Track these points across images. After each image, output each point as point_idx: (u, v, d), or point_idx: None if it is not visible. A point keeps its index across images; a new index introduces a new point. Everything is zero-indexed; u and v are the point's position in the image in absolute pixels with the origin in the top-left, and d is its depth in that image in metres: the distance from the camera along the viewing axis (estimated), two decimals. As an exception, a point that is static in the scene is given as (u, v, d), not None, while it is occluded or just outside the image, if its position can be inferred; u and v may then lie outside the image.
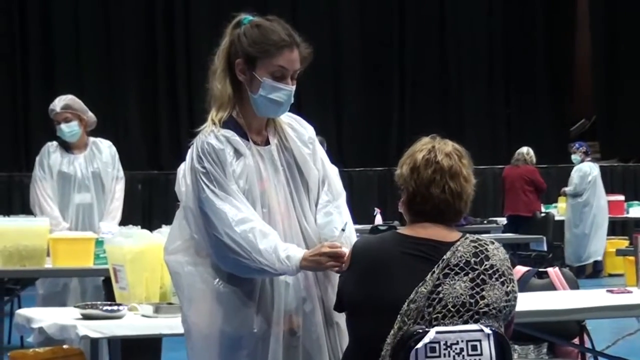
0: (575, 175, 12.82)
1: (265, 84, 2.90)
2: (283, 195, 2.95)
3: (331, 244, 2.85)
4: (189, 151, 2.96)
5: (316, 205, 3.01)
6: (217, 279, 2.89)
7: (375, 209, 11.07)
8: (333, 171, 3.10)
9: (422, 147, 2.79)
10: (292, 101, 2.96)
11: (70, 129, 6.00)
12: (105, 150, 6.16)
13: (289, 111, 3.06)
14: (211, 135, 2.90)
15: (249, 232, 2.82)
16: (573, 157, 13.06)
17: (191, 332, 2.94)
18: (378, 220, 10.72)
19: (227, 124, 2.94)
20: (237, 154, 2.91)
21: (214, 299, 2.89)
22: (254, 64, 2.91)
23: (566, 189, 12.94)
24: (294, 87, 2.95)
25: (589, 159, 13.03)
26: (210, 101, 2.97)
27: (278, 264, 2.81)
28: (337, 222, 2.98)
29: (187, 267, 2.91)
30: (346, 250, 2.83)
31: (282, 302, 2.90)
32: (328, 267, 2.85)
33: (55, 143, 6.09)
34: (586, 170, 12.77)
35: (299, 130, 3.05)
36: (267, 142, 2.99)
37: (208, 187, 2.85)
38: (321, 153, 3.08)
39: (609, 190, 13.87)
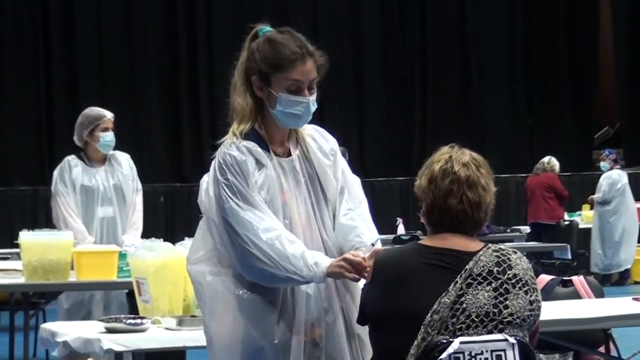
0: (604, 182, 12.73)
1: (282, 99, 2.91)
2: (304, 207, 2.96)
3: (355, 253, 2.85)
4: (212, 163, 2.97)
5: (334, 216, 3.01)
6: (239, 289, 2.90)
7: (398, 218, 11.06)
8: (355, 181, 3.10)
9: (440, 157, 2.78)
10: (313, 109, 2.96)
11: (112, 138, 6.03)
12: (125, 163, 6.18)
13: (313, 122, 3.06)
14: (233, 146, 2.91)
15: (275, 239, 2.82)
16: (602, 164, 13.00)
17: (213, 342, 2.95)
18: (400, 230, 10.71)
19: (249, 135, 2.95)
20: (259, 164, 2.92)
21: (236, 309, 2.89)
22: (269, 80, 2.92)
23: (594, 196, 12.87)
24: (312, 97, 2.94)
25: (618, 166, 12.95)
26: (231, 115, 2.98)
27: (306, 270, 2.82)
28: (362, 228, 2.98)
29: (209, 277, 2.92)
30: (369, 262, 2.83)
31: (303, 313, 2.90)
32: (349, 277, 2.85)
33: (74, 157, 6.09)
34: (615, 178, 12.69)
35: (321, 142, 3.05)
36: (289, 154, 3.00)
37: (231, 198, 2.86)
38: (342, 164, 3.08)
39: (634, 197, 13.78)
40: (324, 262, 2.83)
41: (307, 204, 2.96)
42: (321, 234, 2.97)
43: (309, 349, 2.90)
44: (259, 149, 2.93)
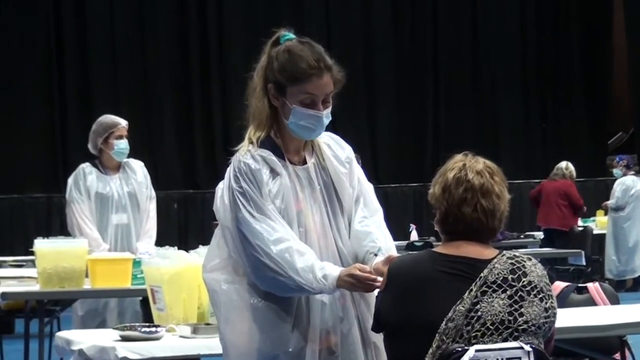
0: (617, 188, 12.70)
1: (295, 111, 2.91)
2: (319, 215, 2.96)
3: (362, 267, 2.84)
4: (227, 170, 2.98)
5: (350, 224, 3.01)
6: (254, 298, 2.90)
7: (411, 225, 11.03)
8: (370, 189, 3.10)
9: (454, 165, 2.78)
10: (327, 122, 2.96)
11: (126, 146, 6.04)
12: (139, 170, 6.19)
13: (333, 130, 3.06)
14: (248, 154, 2.92)
15: (285, 251, 2.83)
16: (615, 171, 12.97)
17: (228, 349, 2.96)
18: (414, 236, 10.68)
19: (265, 143, 2.95)
20: (274, 173, 2.92)
21: (251, 318, 2.90)
22: (284, 91, 2.92)
23: (608, 202, 12.83)
24: (326, 111, 2.94)
25: (631, 172, 12.91)
26: (248, 117, 2.98)
27: (315, 283, 2.82)
28: (376, 234, 2.98)
29: (224, 285, 2.93)
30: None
31: (318, 321, 2.91)
32: (358, 290, 2.85)
33: (89, 164, 6.11)
34: (629, 184, 12.66)
35: (336, 150, 3.05)
36: (305, 162, 3.00)
37: (245, 206, 2.87)
38: (358, 172, 3.08)
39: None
40: (333, 274, 2.82)
41: (322, 212, 2.96)
42: (336, 242, 2.97)
43: (324, 358, 2.90)
44: (274, 158, 2.93)
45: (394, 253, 2.97)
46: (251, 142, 2.94)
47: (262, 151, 2.93)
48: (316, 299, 2.90)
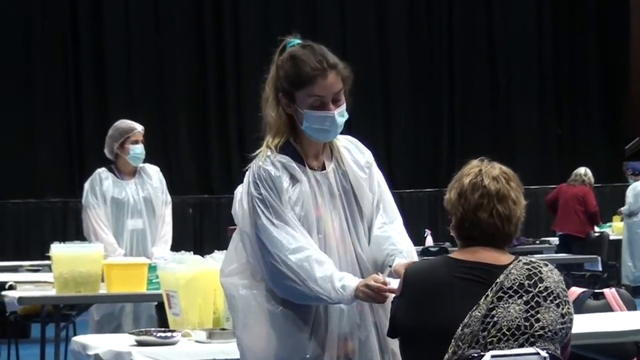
0: (629, 194, 12.69)
1: (307, 115, 2.91)
2: (338, 221, 2.95)
3: (376, 278, 2.83)
4: (246, 175, 2.97)
5: (369, 230, 3.00)
6: (272, 303, 2.90)
7: (426, 230, 11.02)
8: (389, 195, 3.09)
9: (470, 171, 2.77)
10: (342, 121, 2.94)
11: (142, 151, 6.06)
12: (154, 175, 6.20)
13: (348, 134, 3.05)
14: (267, 161, 2.91)
15: (304, 260, 2.82)
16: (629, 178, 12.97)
17: (245, 355, 2.96)
18: (429, 241, 10.68)
19: (284, 149, 2.94)
20: (293, 180, 2.92)
21: (268, 323, 2.90)
22: (293, 98, 2.92)
23: (622, 208, 12.80)
24: (339, 110, 2.92)
25: None
26: (264, 129, 2.98)
27: (334, 293, 2.82)
28: (395, 238, 2.97)
29: (242, 290, 2.93)
30: (395, 283, 2.82)
31: (335, 328, 2.90)
32: (374, 302, 2.85)
33: (105, 169, 6.13)
34: None
35: (356, 154, 3.04)
36: (324, 167, 2.99)
37: (264, 213, 2.87)
38: (378, 177, 3.07)
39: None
40: (352, 284, 2.82)
41: (341, 218, 2.95)
42: (355, 248, 2.96)
43: None
44: (294, 164, 2.93)
45: (415, 258, 2.97)
46: (270, 149, 2.94)
47: (282, 157, 2.93)
48: (334, 306, 2.90)
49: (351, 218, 2.97)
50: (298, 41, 2.97)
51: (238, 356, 3.28)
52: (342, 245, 2.94)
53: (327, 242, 2.92)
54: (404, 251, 2.96)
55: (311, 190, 2.93)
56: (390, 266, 2.92)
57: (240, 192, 2.98)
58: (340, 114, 2.93)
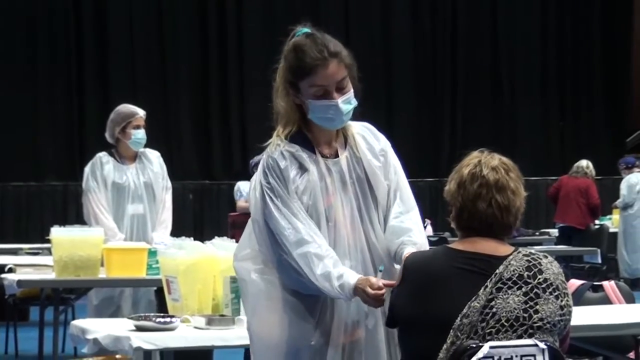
0: (623, 186, 12.69)
1: (312, 105, 2.92)
2: (349, 210, 2.95)
3: (372, 283, 2.81)
4: (260, 163, 3.00)
5: (385, 219, 3.00)
6: (282, 290, 2.92)
7: (426, 220, 11.01)
8: (407, 184, 3.08)
9: (469, 161, 2.78)
10: (348, 108, 2.93)
11: (143, 136, 6.06)
12: (155, 160, 6.20)
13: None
14: (276, 150, 2.93)
15: (304, 255, 2.85)
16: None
17: (253, 339, 2.99)
18: (429, 231, 10.67)
19: (295, 138, 2.95)
20: (302, 169, 2.93)
21: (276, 309, 2.93)
22: (297, 88, 2.93)
23: (617, 202, 12.80)
24: (343, 97, 2.92)
25: (637, 169, 12.86)
26: (275, 118, 2.99)
27: (332, 291, 2.84)
28: (412, 230, 2.96)
29: (254, 274, 2.96)
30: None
31: (343, 316, 2.92)
32: (370, 305, 2.85)
33: (105, 153, 6.13)
34: (633, 181, 12.63)
35: (371, 142, 3.04)
36: (337, 154, 2.99)
37: (272, 201, 2.89)
38: (395, 164, 3.07)
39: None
40: (350, 283, 2.82)
41: (352, 206, 2.95)
42: (367, 236, 2.96)
43: (348, 352, 2.91)
44: (303, 153, 2.93)
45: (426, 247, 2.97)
46: (279, 138, 2.95)
47: (291, 146, 2.94)
48: None
49: (364, 206, 2.97)
50: (307, 30, 2.97)
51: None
52: (352, 234, 2.94)
53: (337, 230, 2.92)
54: (418, 243, 2.95)
55: (321, 178, 2.93)
56: (380, 271, 2.91)
57: (254, 180, 3.00)
58: (346, 102, 2.93)
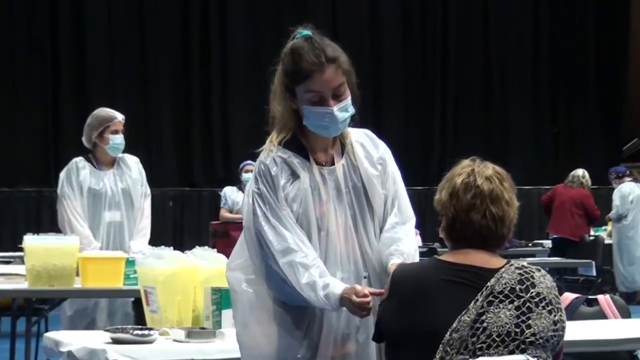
0: (615, 197, 12.72)
1: (307, 111, 2.93)
2: (343, 219, 2.96)
3: (357, 291, 2.82)
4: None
5: (381, 229, 3.01)
6: (271, 301, 2.93)
7: (415, 230, 11.04)
8: (405, 194, 3.09)
9: (461, 170, 2.78)
10: (343, 116, 2.94)
11: (122, 141, 6.05)
12: (134, 166, 6.18)
13: (364, 127, 3.05)
14: (269, 156, 2.94)
15: (289, 265, 2.86)
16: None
17: (242, 350, 3.01)
18: (417, 241, 10.69)
19: (289, 144, 2.96)
20: (294, 176, 2.93)
21: (265, 321, 2.94)
22: (294, 93, 2.94)
23: (610, 214, 12.82)
24: (339, 105, 2.92)
25: (629, 179, 12.91)
26: (271, 122, 2.99)
27: (317, 301, 2.85)
28: (403, 240, 2.98)
29: (244, 284, 2.97)
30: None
31: (332, 329, 2.92)
32: (356, 315, 2.86)
33: (82, 159, 6.11)
34: (625, 191, 12.67)
35: (370, 149, 3.05)
36: (333, 162, 3.00)
37: (261, 208, 2.91)
38: (394, 173, 3.07)
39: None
40: (336, 292, 2.83)
41: (347, 215, 2.96)
42: (361, 247, 2.96)
43: None
44: (296, 159, 2.94)
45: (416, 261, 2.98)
46: (272, 144, 2.96)
47: (285, 152, 2.95)
48: None
49: (360, 216, 2.97)
50: (307, 32, 2.98)
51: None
52: (345, 244, 2.95)
53: (330, 240, 2.93)
54: (405, 253, 2.96)
55: (314, 186, 2.94)
56: (365, 277, 2.92)
57: (248, 186, 3.03)
58: (342, 109, 2.93)
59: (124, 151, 6.17)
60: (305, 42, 2.94)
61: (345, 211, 2.96)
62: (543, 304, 2.68)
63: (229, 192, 11.11)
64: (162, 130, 14.51)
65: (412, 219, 3.06)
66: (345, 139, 3.03)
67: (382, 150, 3.07)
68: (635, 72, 17.00)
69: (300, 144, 2.97)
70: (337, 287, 2.84)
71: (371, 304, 2.83)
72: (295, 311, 2.91)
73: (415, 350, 2.65)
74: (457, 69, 15.92)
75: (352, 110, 2.97)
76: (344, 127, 2.98)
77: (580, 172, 12.26)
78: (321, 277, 2.85)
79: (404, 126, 15.60)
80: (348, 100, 2.95)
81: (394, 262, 2.92)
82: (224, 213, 10.86)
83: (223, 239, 10.02)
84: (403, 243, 2.98)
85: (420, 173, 15.13)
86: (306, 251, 2.87)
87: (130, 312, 5.85)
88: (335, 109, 2.92)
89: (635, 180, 13.24)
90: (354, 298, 2.81)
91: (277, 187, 2.91)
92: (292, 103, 2.95)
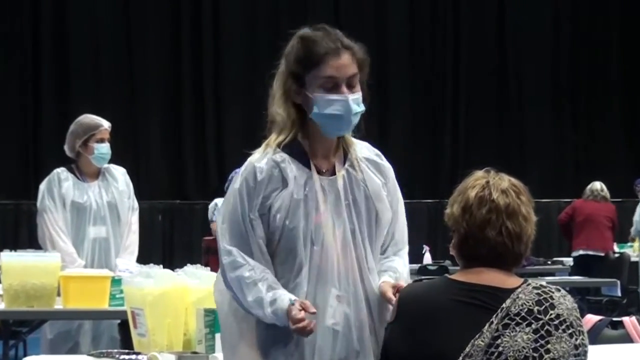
0: (637, 211, 12.71)
1: (317, 99, 2.91)
2: (342, 231, 2.95)
3: (295, 314, 2.80)
4: None
5: (382, 253, 3.03)
6: (256, 323, 2.93)
7: (424, 246, 11.06)
8: (404, 218, 3.11)
9: (475, 183, 2.78)
10: (357, 110, 2.94)
11: (108, 150, 6.06)
12: (120, 178, 6.19)
13: (372, 134, 3.07)
14: (261, 159, 2.94)
15: (236, 280, 2.89)
16: None
17: None
18: (427, 259, 10.72)
19: (288, 147, 2.96)
20: (283, 183, 2.93)
21: (251, 343, 2.94)
22: (303, 81, 2.93)
23: (631, 229, 12.83)
24: (353, 96, 2.93)
25: None
26: (269, 128, 3.00)
27: (266, 318, 2.87)
28: (396, 262, 3.00)
29: (232, 304, 2.97)
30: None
31: (328, 352, 2.90)
32: (295, 333, 2.85)
33: (64, 169, 6.12)
34: None
35: (375, 164, 3.05)
36: (334, 170, 3.00)
37: (227, 205, 2.96)
38: (397, 192, 3.10)
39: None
40: (284, 307, 2.83)
41: (346, 227, 2.95)
42: (360, 265, 2.95)
43: None
44: (294, 165, 2.94)
45: (407, 281, 2.98)
46: (269, 146, 2.97)
47: (281, 155, 2.95)
48: (328, 327, 2.90)
49: (359, 229, 2.97)
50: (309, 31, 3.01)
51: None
52: (343, 260, 2.94)
53: (325, 254, 2.92)
54: (398, 272, 2.97)
55: (312, 195, 2.93)
56: (338, 295, 2.93)
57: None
58: (356, 101, 2.94)
59: (110, 161, 6.18)
60: (317, 30, 2.97)
61: (344, 224, 2.95)
62: (563, 326, 2.68)
63: (220, 204, 11.11)
64: (151, 139, 14.54)
65: (406, 246, 3.09)
66: (349, 147, 3.03)
67: (386, 167, 3.09)
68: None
69: (301, 148, 2.97)
70: (284, 300, 2.84)
71: (312, 324, 2.80)
72: (284, 331, 2.88)
73: (424, 377, 2.66)
74: (470, 72, 15.95)
75: (363, 107, 2.98)
76: (355, 122, 2.97)
77: (597, 185, 12.26)
78: (268, 291, 2.86)
79: (412, 136, 15.63)
80: (360, 94, 2.97)
81: (385, 280, 2.93)
82: (216, 227, 10.86)
83: (217, 255, 10.02)
84: (398, 264, 3.00)
85: (429, 185, 15.16)
86: (252, 264, 2.88)
87: (116, 335, 5.85)
88: (350, 97, 2.92)
89: None
90: (291, 326, 2.81)
91: (256, 193, 2.91)
92: (298, 96, 2.94)
